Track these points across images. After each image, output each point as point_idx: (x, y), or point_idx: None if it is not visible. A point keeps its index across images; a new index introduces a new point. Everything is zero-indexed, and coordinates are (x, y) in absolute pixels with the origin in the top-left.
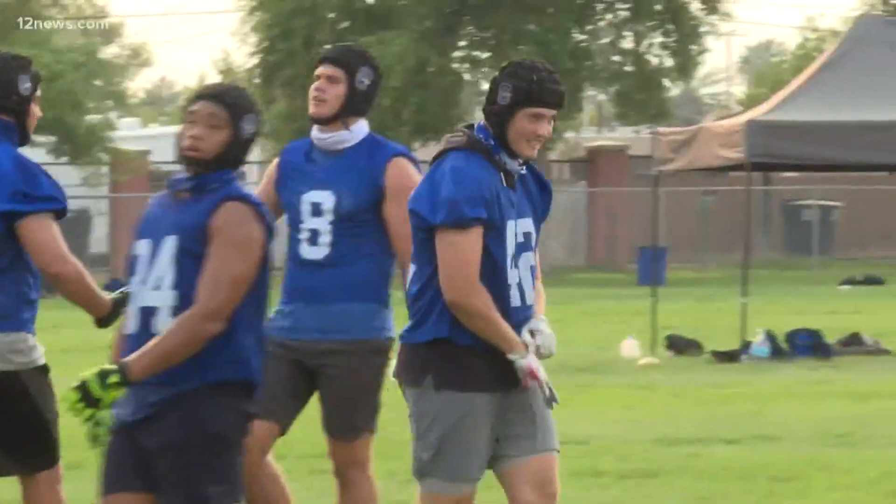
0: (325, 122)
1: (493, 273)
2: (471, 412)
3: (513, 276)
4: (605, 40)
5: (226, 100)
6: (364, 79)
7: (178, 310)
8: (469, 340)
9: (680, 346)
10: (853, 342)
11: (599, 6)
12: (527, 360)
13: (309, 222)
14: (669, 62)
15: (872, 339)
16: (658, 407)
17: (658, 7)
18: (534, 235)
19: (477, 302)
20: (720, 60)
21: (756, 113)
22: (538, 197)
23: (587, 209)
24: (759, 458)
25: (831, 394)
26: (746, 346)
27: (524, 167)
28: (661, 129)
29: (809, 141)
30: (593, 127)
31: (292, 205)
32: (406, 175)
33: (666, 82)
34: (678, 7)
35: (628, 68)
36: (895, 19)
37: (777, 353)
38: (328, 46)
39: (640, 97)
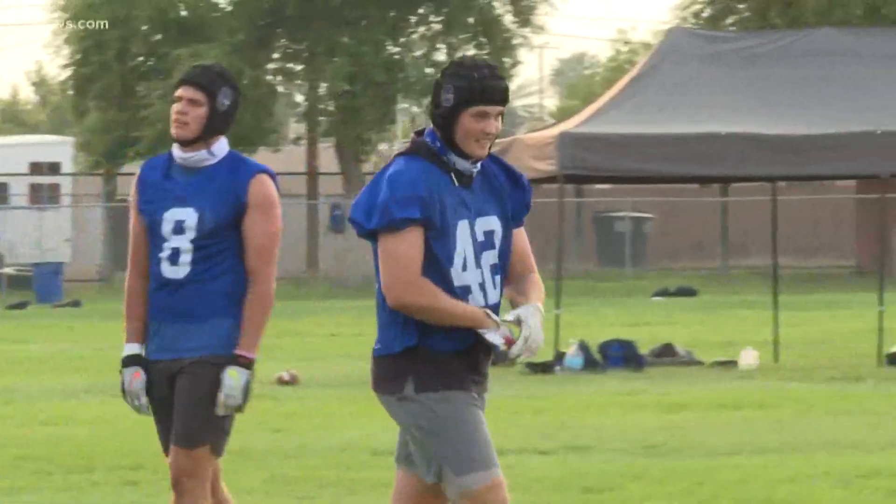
0: (188, 143)
1: (439, 274)
2: (462, 404)
3: (474, 277)
4: (419, 53)
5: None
6: (225, 100)
7: None
8: (440, 346)
9: (494, 358)
10: (666, 353)
11: (413, 19)
12: (498, 333)
13: (171, 240)
14: None
15: (685, 349)
16: None
17: (471, 20)
18: (498, 233)
19: (419, 299)
20: (533, 73)
21: (568, 125)
22: (509, 194)
23: None
24: (572, 468)
25: (644, 404)
26: (560, 357)
27: (478, 165)
28: None
29: (621, 153)
30: (407, 139)
31: (154, 223)
32: (267, 191)
33: None
34: (491, 20)
35: None
36: (705, 32)
37: (590, 364)
38: (190, 68)
39: None
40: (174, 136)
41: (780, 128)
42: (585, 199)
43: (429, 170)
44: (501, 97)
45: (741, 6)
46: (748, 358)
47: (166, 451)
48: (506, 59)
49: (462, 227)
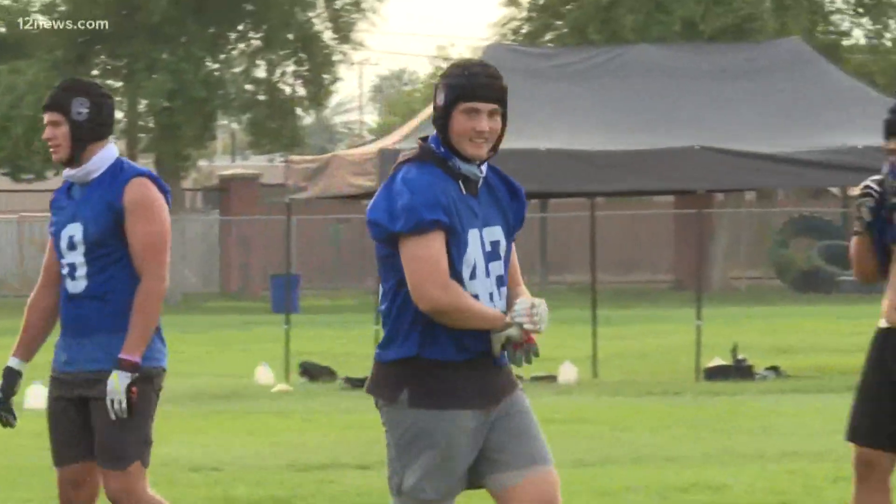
0: (69, 162)
1: (455, 281)
2: (451, 431)
3: (483, 286)
4: (238, 69)
5: None
6: (80, 109)
7: None
8: (442, 356)
9: (314, 372)
10: None
11: (232, 35)
12: (514, 330)
13: (67, 257)
14: (302, 91)
15: None
16: (291, 433)
17: (290, 36)
18: (503, 244)
19: (449, 299)
20: (352, 89)
21: (388, 142)
22: (508, 205)
23: (220, 237)
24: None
25: None
26: None
27: (484, 171)
28: (294, 158)
29: None
30: (227, 155)
31: (55, 241)
32: (144, 192)
33: (299, 111)
34: (310, 36)
35: (261, 97)
36: (524, 48)
37: None
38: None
39: (273, 126)
40: (54, 160)
41: (598, 143)
42: None
43: (440, 176)
44: (493, 95)
45: (559, 22)
46: (567, 373)
47: (58, 463)
48: (325, 76)
49: (473, 236)
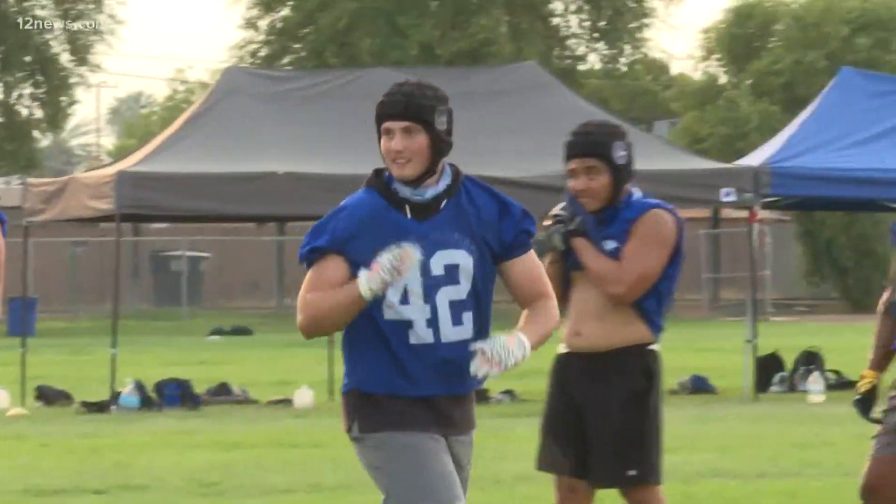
0: None
1: (370, 308)
2: (413, 442)
3: (419, 312)
4: None
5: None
6: None
7: None
8: (384, 389)
9: (50, 396)
10: (222, 392)
11: None
12: (376, 277)
13: None
14: (39, 113)
15: (241, 388)
16: (27, 457)
17: (27, 58)
18: (467, 268)
19: (305, 316)
20: (90, 111)
21: (125, 164)
22: (489, 225)
23: None
24: None
25: (200, 443)
26: (116, 396)
27: (427, 192)
28: (32, 180)
29: (179, 192)
30: None
31: None
32: None
33: (36, 133)
34: (47, 58)
35: None
36: (262, 71)
37: (147, 403)
38: None
39: (11, 148)
40: None
41: (335, 167)
42: (143, 238)
43: (375, 201)
44: (405, 112)
45: (297, 46)
46: (303, 397)
47: None
48: (62, 98)
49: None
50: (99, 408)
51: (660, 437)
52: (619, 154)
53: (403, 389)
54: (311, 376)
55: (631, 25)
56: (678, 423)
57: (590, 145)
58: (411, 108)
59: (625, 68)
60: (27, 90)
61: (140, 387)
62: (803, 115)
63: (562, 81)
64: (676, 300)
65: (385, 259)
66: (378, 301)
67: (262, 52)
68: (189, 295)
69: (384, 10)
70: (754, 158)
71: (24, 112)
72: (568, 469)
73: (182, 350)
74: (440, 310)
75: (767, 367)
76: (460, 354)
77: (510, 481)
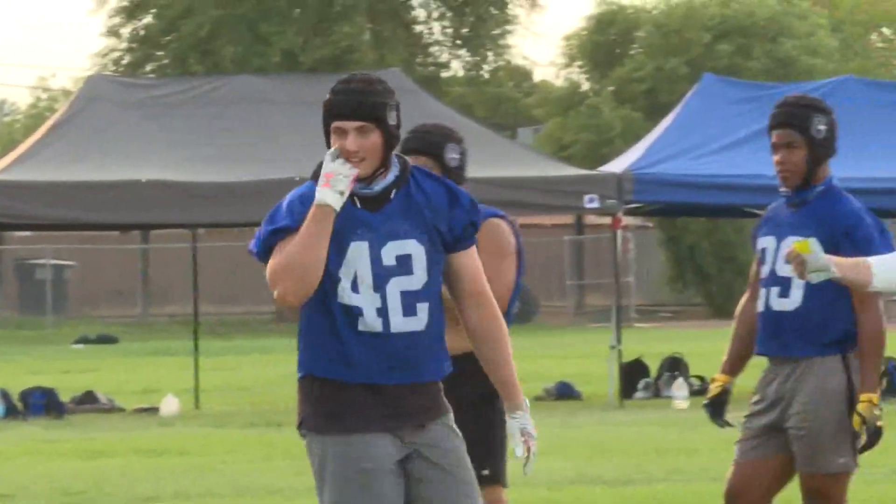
0: None
1: (324, 295)
2: (344, 453)
3: (369, 300)
4: None
5: None
6: None
7: None
8: (332, 374)
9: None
10: (87, 400)
11: None
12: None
13: None
14: None
15: (106, 396)
16: None
17: None
18: (419, 258)
19: (281, 271)
20: None
21: None
22: (441, 215)
23: None
24: None
25: (65, 452)
26: None
27: (376, 186)
28: None
29: (42, 200)
30: None
31: None
32: None
33: None
34: None
35: None
36: (125, 79)
37: (12, 411)
38: None
39: None
40: None
41: (199, 175)
42: (6, 247)
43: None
44: (359, 112)
45: (160, 53)
46: (169, 405)
47: None
48: None
49: (356, 249)
50: None
51: (505, 440)
52: (451, 156)
53: (349, 375)
54: (177, 384)
55: (494, 32)
56: (544, 429)
57: (426, 146)
58: (364, 107)
59: (488, 75)
60: None
61: (5, 395)
62: (665, 121)
63: (425, 89)
64: (541, 306)
65: (331, 168)
66: (334, 282)
67: (126, 60)
68: (54, 303)
69: (247, 18)
70: (617, 165)
71: None
72: None
73: (47, 358)
74: (390, 300)
75: (632, 374)
76: (411, 344)
77: None
